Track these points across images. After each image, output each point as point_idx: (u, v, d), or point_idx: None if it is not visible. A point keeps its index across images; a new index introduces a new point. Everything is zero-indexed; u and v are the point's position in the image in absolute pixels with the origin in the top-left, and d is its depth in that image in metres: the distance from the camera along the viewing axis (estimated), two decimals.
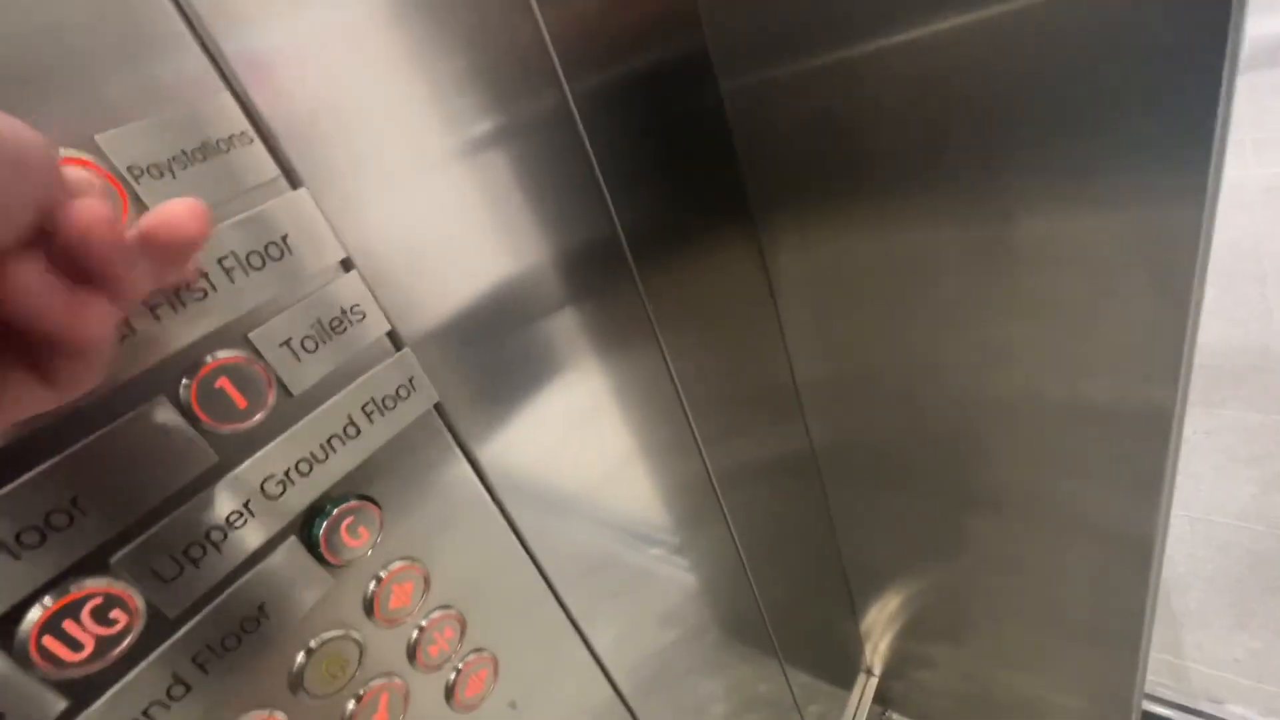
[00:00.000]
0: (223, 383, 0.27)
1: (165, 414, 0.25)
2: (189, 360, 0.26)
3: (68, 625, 0.23)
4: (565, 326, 0.45)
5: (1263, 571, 1.04)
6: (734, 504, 0.65)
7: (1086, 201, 0.48)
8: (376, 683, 0.33)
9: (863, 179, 0.56)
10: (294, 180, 0.29)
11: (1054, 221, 0.49)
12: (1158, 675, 0.89)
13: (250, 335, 0.28)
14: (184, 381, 0.26)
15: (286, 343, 0.29)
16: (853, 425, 0.76)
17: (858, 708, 0.98)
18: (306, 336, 0.29)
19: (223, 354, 0.27)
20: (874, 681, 1.00)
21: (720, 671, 0.70)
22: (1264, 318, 1.47)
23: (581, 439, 0.47)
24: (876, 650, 1.00)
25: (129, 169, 0.24)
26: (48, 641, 0.23)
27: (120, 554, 0.25)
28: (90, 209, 0.18)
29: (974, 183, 0.51)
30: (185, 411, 0.26)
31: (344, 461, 0.31)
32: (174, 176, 0.25)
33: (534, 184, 0.42)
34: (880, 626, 0.96)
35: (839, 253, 0.63)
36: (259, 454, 0.28)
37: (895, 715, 1.03)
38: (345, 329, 0.31)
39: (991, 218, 0.52)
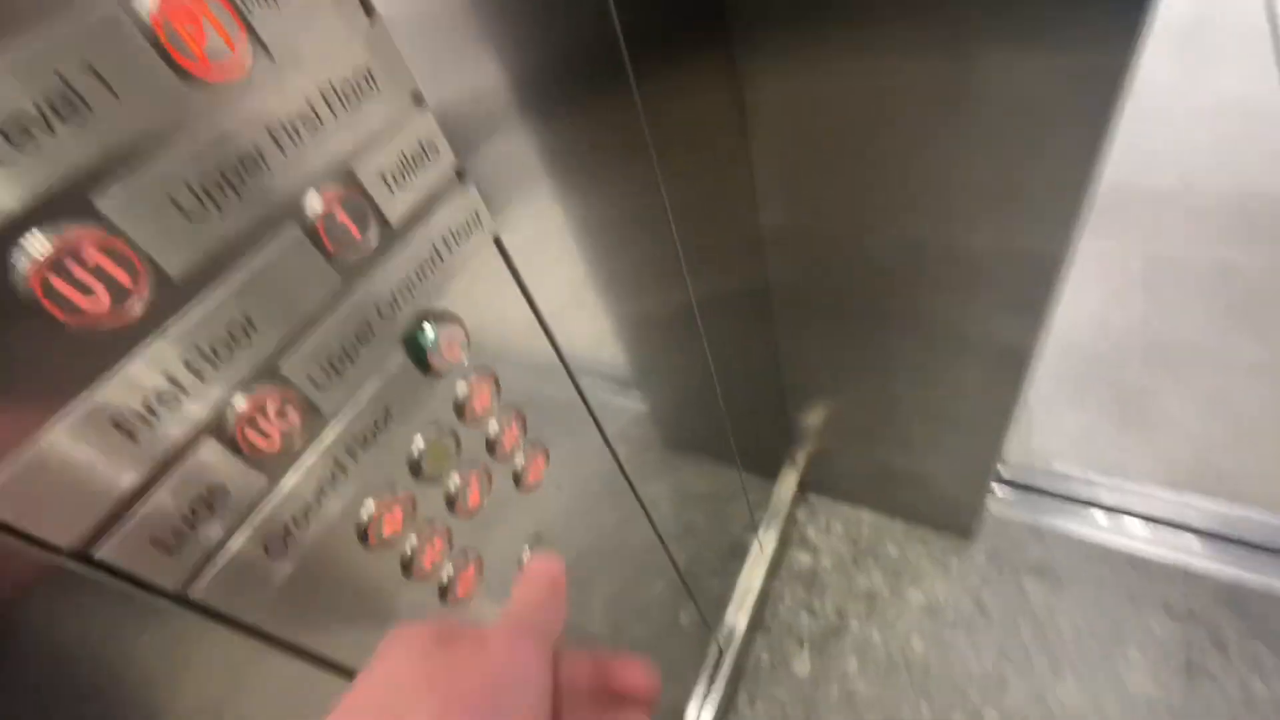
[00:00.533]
0: (341, 214, 0.29)
1: (299, 241, 0.28)
2: (306, 190, 0.29)
3: (260, 420, 0.28)
4: (571, 142, 0.48)
5: (1096, 368, 1.31)
6: (708, 327, 0.74)
7: (1036, 44, 0.54)
8: (469, 470, 0.40)
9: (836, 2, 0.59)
10: (368, 8, 0.30)
11: (1008, 60, 0.55)
12: (1008, 446, 1.14)
13: (352, 164, 0.30)
14: (310, 210, 0.28)
15: (381, 175, 0.31)
16: (805, 260, 0.85)
17: (784, 492, 1.20)
18: (397, 169, 0.32)
19: (332, 186, 0.29)
20: (797, 471, 1.22)
21: (695, 465, 0.84)
22: (1129, 152, 1.66)
23: (595, 260, 0.52)
24: (802, 447, 1.20)
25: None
26: (249, 434, 0.28)
27: (287, 362, 0.29)
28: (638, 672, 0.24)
29: (939, 14, 0.56)
30: (315, 239, 0.29)
31: (433, 286, 0.35)
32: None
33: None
34: (807, 429, 1.15)
35: (807, 84, 0.66)
36: (371, 279, 0.32)
37: (812, 496, 1.27)
38: (423, 164, 0.33)
39: (952, 54, 0.58)
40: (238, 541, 0.28)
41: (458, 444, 0.39)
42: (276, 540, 0.30)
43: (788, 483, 1.22)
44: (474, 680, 0.20)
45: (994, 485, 1.15)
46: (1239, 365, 1.25)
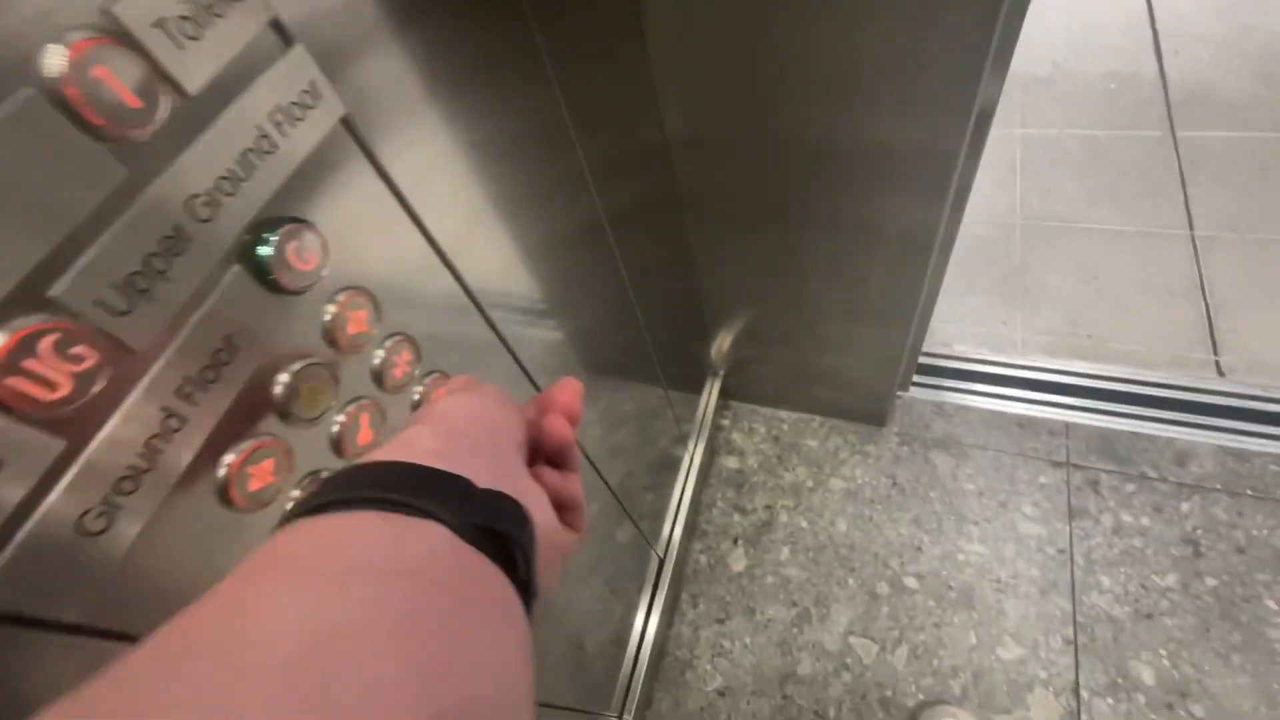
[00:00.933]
0: (101, 71, 0.21)
1: (44, 111, 0.20)
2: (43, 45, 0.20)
3: (29, 364, 0.21)
4: (453, 56, 0.40)
5: (984, 251, 1.38)
6: (621, 243, 0.68)
7: None
8: (353, 406, 0.35)
9: None
10: None
11: None
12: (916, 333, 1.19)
13: (114, 9, 0.22)
14: (51, 69, 0.20)
15: (160, 24, 0.23)
16: (711, 166, 0.80)
17: (707, 403, 1.21)
18: (182, 17, 0.24)
19: (83, 35, 0.21)
20: (718, 381, 1.22)
21: (619, 387, 0.81)
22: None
23: (484, 169, 0.45)
24: (721, 356, 1.20)
25: None
26: (14, 382, 0.20)
27: (57, 287, 0.21)
28: (560, 427, 0.29)
29: None
30: (67, 109, 0.21)
31: (267, 180, 0.28)
32: None
33: None
34: (726, 339, 1.14)
35: None
36: (173, 167, 0.24)
37: (734, 403, 1.29)
38: (223, 12, 0.25)
39: None
40: (30, 526, 0.21)
41: (335, 377, 0.33)
42: (94, 515, 0.23)
43: (710, 393, 1.22)
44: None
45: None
46: (1106, 236, 1.36)
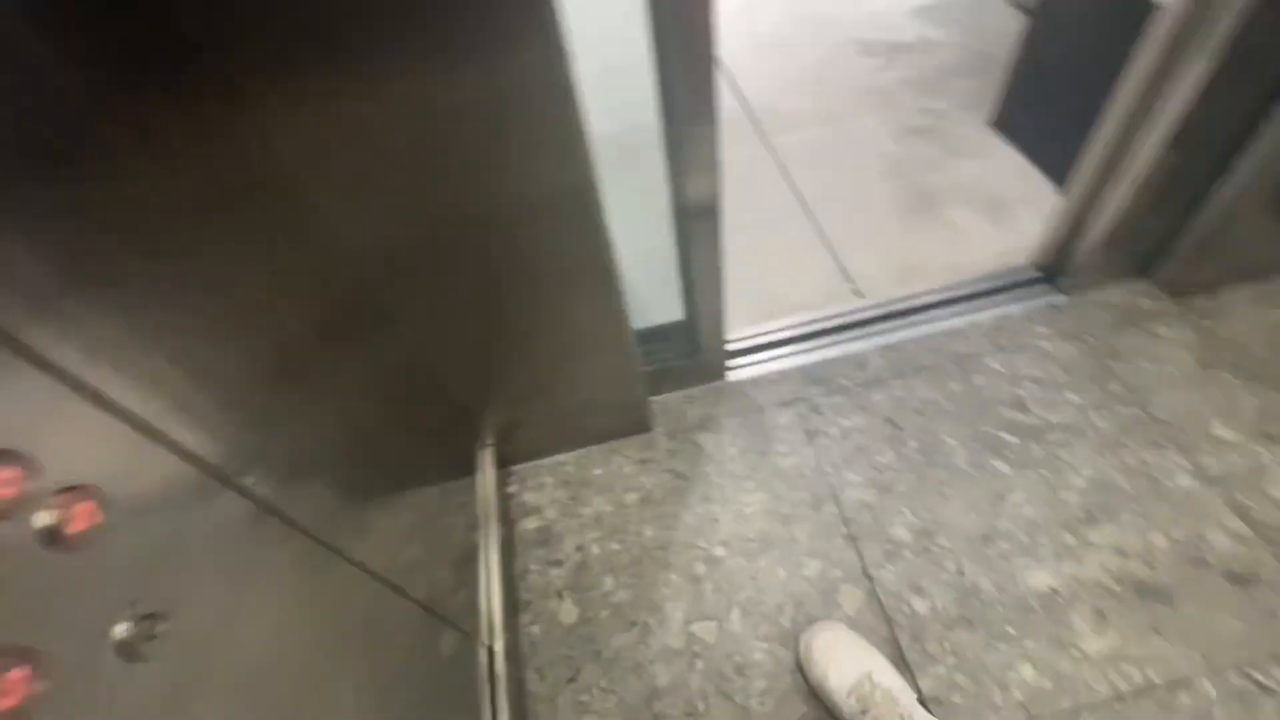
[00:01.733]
0: None
1: None
2: None
3: None
4: None
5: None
6: (331, 358, 0.67)
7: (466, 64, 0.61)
8: None
9: None
10: None
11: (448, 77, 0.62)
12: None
13: None
14: None
15: None
16: (393, 272, 0.83)
17: (485, 479, 1.20)
18: None
19: None
20: (490, 452, 1.22)
21: (383, 499, 0.77)
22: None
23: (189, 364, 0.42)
24: (484, 428, 1.21)
25: None
26: None
27: None
28: None
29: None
30: None
31: None
32: None
33: None
34: (481, 410, 1.16)
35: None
36: None
37: (515, 466, 1.30)
38: None
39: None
40: None
41: None
42: None
43: (486, 469, 1.22)
44: None
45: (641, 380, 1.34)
46: (748, 226, 1.69)
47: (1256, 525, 1.06)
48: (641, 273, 1.38)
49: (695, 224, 1.07)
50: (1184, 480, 1.12)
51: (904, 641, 1.01)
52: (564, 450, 1.32)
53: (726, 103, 2.09)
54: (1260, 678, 0.93)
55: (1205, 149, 1.19)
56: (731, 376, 1.39)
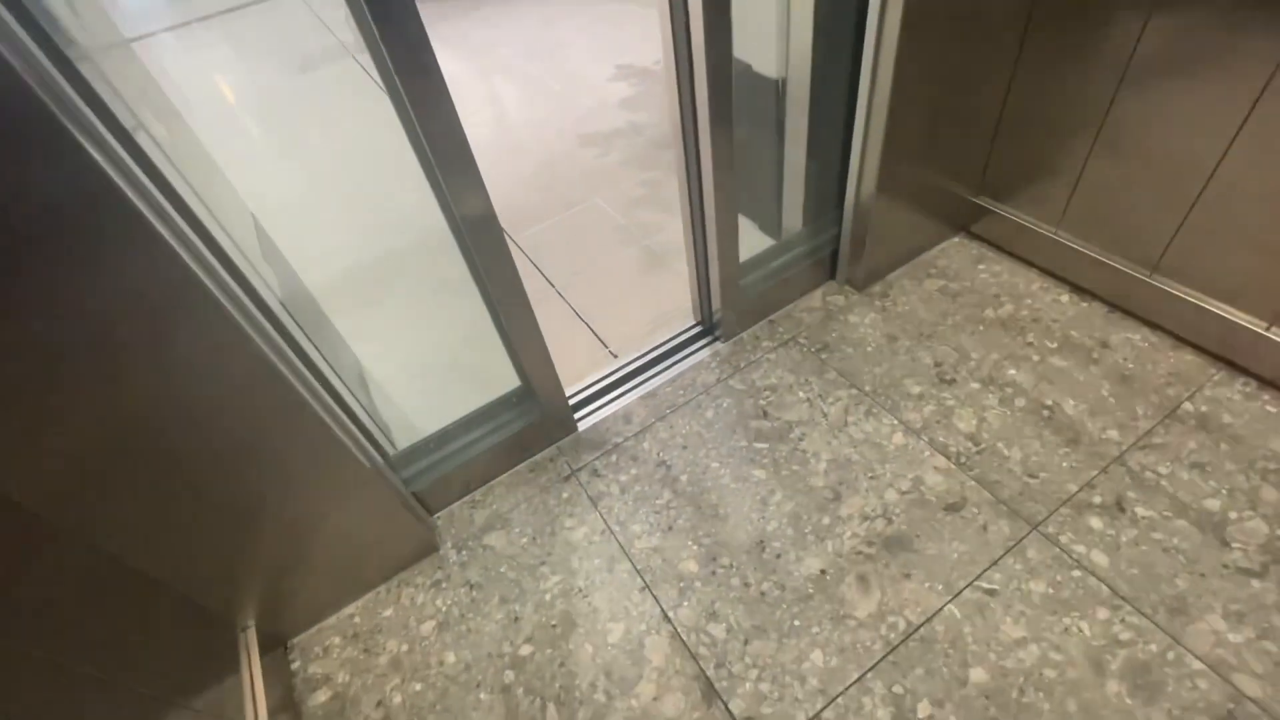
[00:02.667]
0: None
1: None
2: None
3: None
4: None
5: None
6: None
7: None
8: None
9: None
10: None
11: None
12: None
13: None
14: None
15: None
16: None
17: (251, 671, 1.06)
18: None
19: None
20: (251, 635, 1.09)
21: None
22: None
23: None
24: (240, 613, 1.08)
25: None
26: None
27: None
28: None
29: None
30: None
31: None
32: None
33: None
34: (232, 599, 1.04)
35: None
36: None
37: (293, 640, 1.17)
38: None
39: None
40: None
41: None
42: None
43: (250, 658, 1.08)
44: None
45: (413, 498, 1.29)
46: None
47: (954, 457, 1.25)
48: (475, 354, 1.49)
49: (505, 301, 1.14)
50: (898, 438, 1.30)
51: (710, 672, 1.04)
52: (348, 602, 1.21)
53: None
54: (985, 585, 1.08)
55: (824, 176, 1.48)
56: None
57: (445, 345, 1.70)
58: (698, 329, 1.60)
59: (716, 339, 1.56)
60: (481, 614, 1.16)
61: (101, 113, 0.68)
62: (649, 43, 3.07)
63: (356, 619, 1.19)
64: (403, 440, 1.31)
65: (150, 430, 0.80)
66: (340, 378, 1.18)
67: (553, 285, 1.86)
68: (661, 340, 1.59)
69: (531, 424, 1.35)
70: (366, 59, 3.58)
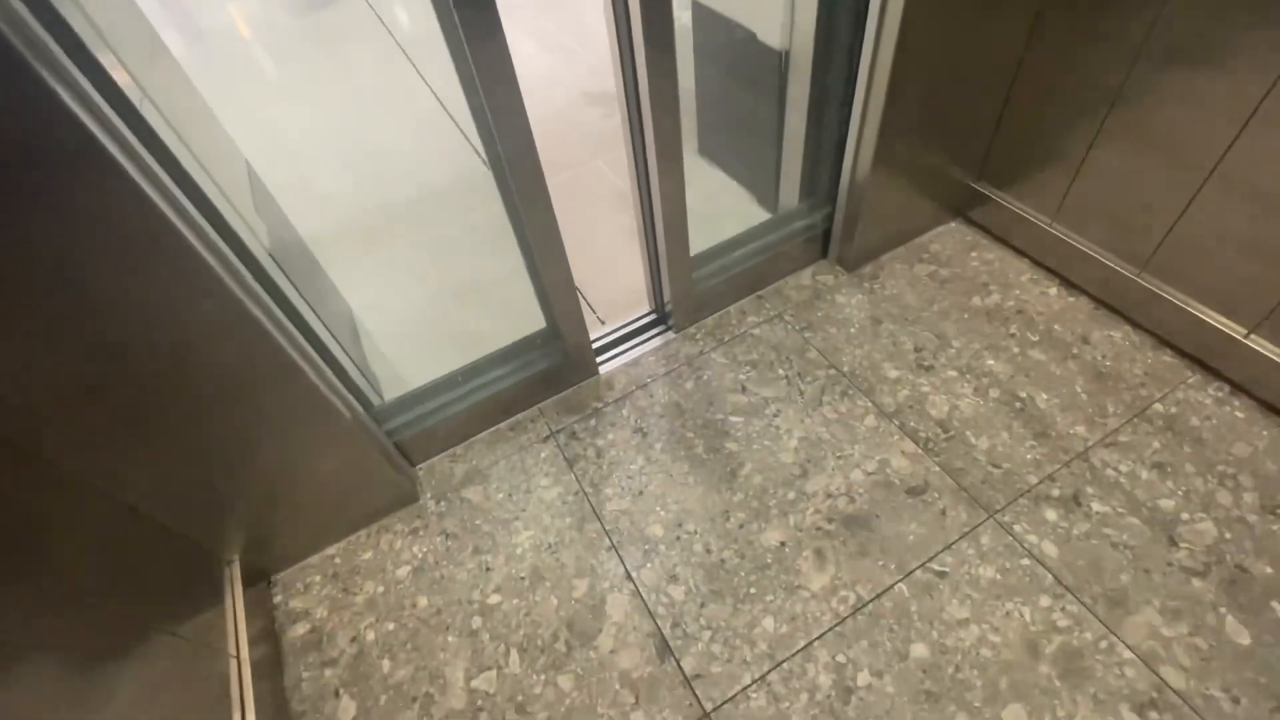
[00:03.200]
0: None
1: None
2: None
3: None
4: None
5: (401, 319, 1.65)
6: None
7: None
8: None
9: None
10: None
11: None
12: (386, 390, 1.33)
13: None
14: None
15: None
16: None
17: (234, 602, 1.12)
18: None
19: None
20: (236, 569, 1.15)
21: (110, 678, 0.70)
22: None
23: None
24: (226, 547, 1.14)
25: None
26: None
27: None
28: None
29: None
30: None
31: None
32: None
33: None
34: (216, 533, 1.09)
35: None
36: None
37: (276, 575, 1.24)
38: None
39: None
40: None
41: None
42: None
43: (234, 589, 1.14)
44: None
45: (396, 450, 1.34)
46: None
47: (922, 442, 1.28)
48: (504, 293, 1.56)
49: (540, 241, 1.18)
50: (870, 420, 1.33)
51: (666, 630, 1.10)
52: (330, 543, 1.27)
53: (476, 164, 2.19)
54: (937, 567, 1.12)
55: (822, 152, 1.46)
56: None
57: (450, 295, 1.72)
58: (652, 316, 1.60)
59: (669, 328, 1.56)
60: (455, 562, 1.22)
61: (68, 43, 0.68)
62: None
63: (337, 559, 1.25)
64: (391, 392, 1.34)
65: (129, 369, 0.83)
66: (328, 329, 1.21)
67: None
68: (635, 317, 1.60)
69: (553, 365, 1.40)
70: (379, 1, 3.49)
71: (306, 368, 0.98)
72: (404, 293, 1.76)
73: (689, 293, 1.49)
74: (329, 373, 1.09)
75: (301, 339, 1.00)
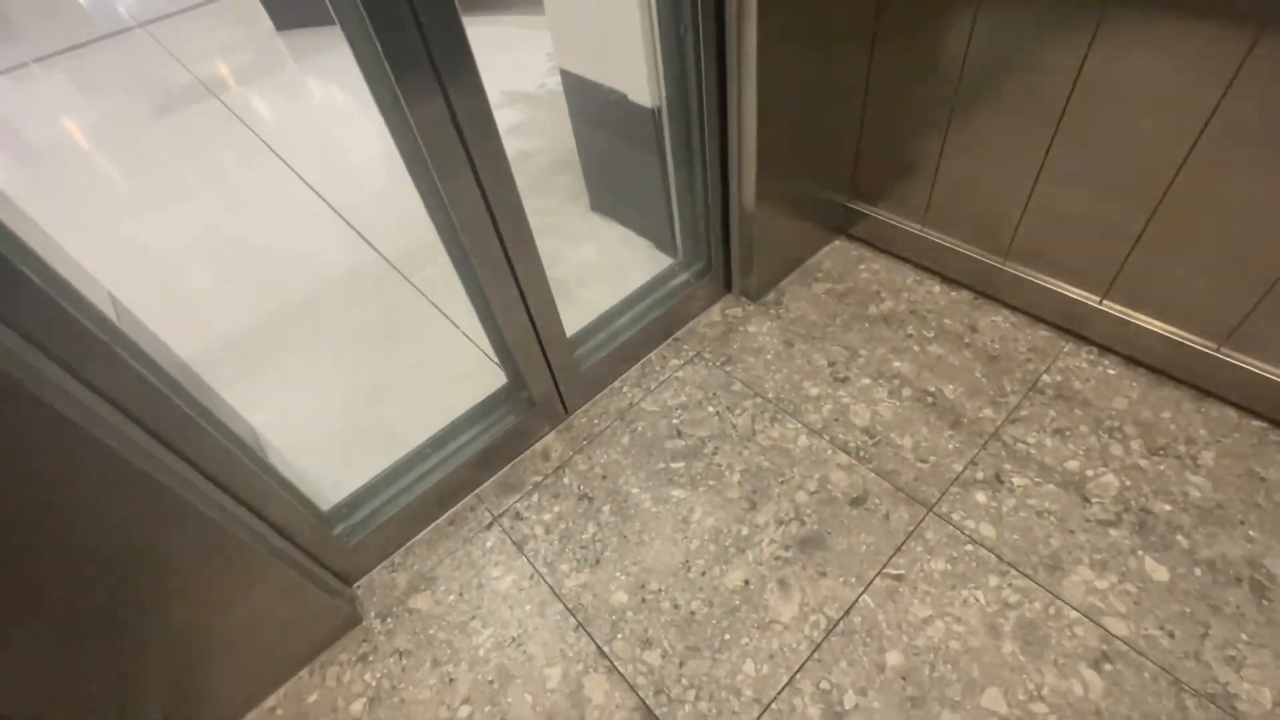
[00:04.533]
0: None
1: None
2: None
3: None
4: None
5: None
6: None
7: None
8: None
9: None
10: None
11: None
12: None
13: None
14: None
15: None
16: None
17: None
18: None
19: None
20: None
21: None
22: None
23: None
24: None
25: None
26: None
27: None
28: None
29: None
30: None
31: None
32: None
33: None
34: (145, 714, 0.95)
35: None
36: None
37: None
38: None
39: None
40: None
41: None
42: None
43: None
44: None
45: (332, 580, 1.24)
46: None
47: (854, 452, 1.34)
48: (429, 376, 1.55)
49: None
50: (802, 440, 1.38)
51: (650, 700, 1.06)
52: (268, 694, 1.15)
53: (366, 256, 2.13)
54: (892, 571, 1.16)
55: (709, 195, 1.54)
56: (429, 529, 1.36)
57: (363, 394, 1.63)
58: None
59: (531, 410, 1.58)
60: (414, 681, 1.13)
61: None
62: (532, 69, 3.05)
63: (279, 711, 1.13)
64: (322, 503, 1.25)
65: (20, 567, 0.73)
66: (237, 451, 1.11)
67: (456, 325, 1.83)
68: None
69: (520, 420, 1.40)
70: (230, 96, 3.36)
71: (201, 505, 0.89)
72: (311, 401, 1.65)
73: (574, 371, 1.49)
74: (229, 504, 1.00)
75: (197, 479, 0.92)
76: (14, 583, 0.77)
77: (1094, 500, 1.20)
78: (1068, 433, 1.30)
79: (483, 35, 3.38)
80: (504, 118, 2.69)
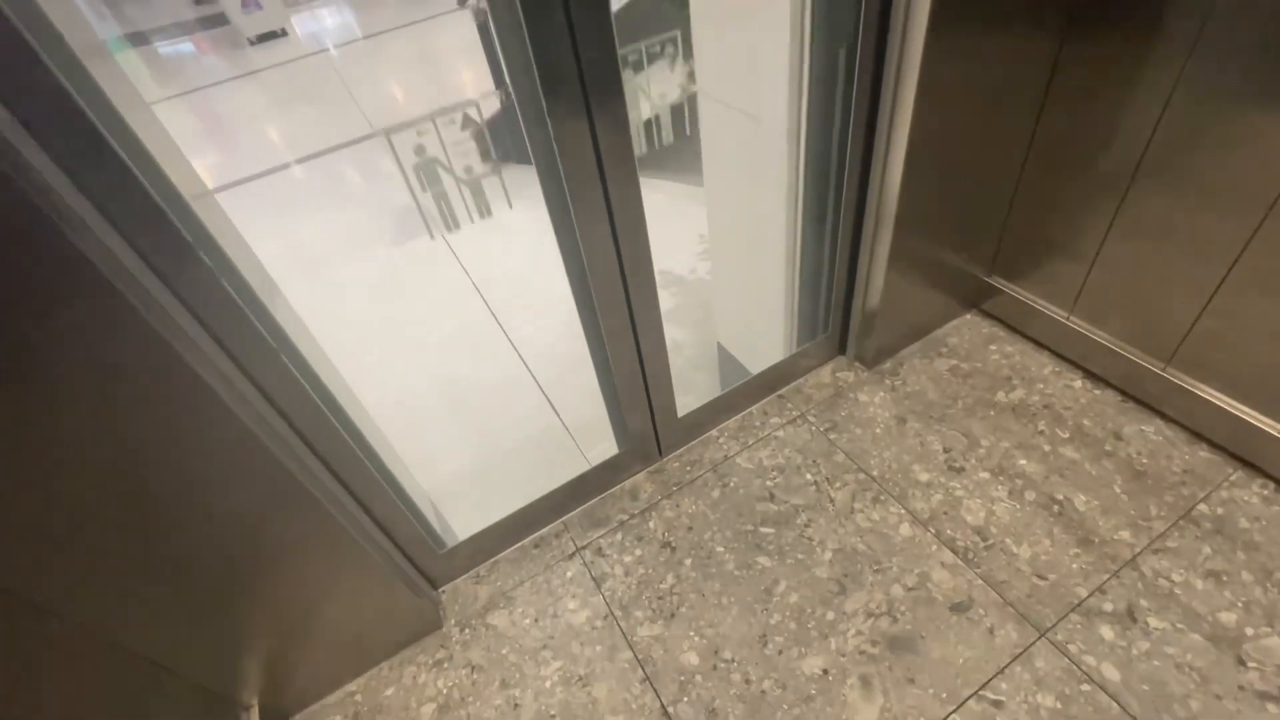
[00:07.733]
0: None
1: None
2: None
3: None
4: None
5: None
6: None
7: None
8: None
9: None
10: None
11: None
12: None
13: None
14: None
15: None
16: None
17: None
18: None
19: None
20: (255, 710, 1.10)
21: None
22: None
23: None
24: (248, 689, 1.09)
25: None
26: None
27: None
28: None
29: None
30: None
31: None
32: None
33: None
34: (236, 676, 1.05)
35: None
36: None
37: (295, 718, 1.18)
38: None
39: None
40: None
41: None
42: None
43: None
44: None
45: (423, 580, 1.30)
46: None
47: (961, 552, 1.24)
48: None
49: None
50: (905, 528, 1.29)
51: None
52: (351, 679, 1.22)
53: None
54: (991, 695, 1.06)
55: (838, 252, 1.49)
56: (513, 546, 1.41)
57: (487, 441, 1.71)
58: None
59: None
60: (482, 698, 1.16)
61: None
62: (686, 250, 2.73)
63: (358, 697, 1.20)
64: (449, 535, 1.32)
65: (161, 526, 0.83)
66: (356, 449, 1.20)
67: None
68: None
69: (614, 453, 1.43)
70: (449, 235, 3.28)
71: (316, 490, 0.96)
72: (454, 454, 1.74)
73: (673, 412, 1.47)
74: (339, 491, 1.07)
75: (314, 462, 0.99)
76: (168, 538, 0.86)
77: (1251, 665, 1.04)
78: (1225, 577, 1.13)
79: (656, 201, 3.19)
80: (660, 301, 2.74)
